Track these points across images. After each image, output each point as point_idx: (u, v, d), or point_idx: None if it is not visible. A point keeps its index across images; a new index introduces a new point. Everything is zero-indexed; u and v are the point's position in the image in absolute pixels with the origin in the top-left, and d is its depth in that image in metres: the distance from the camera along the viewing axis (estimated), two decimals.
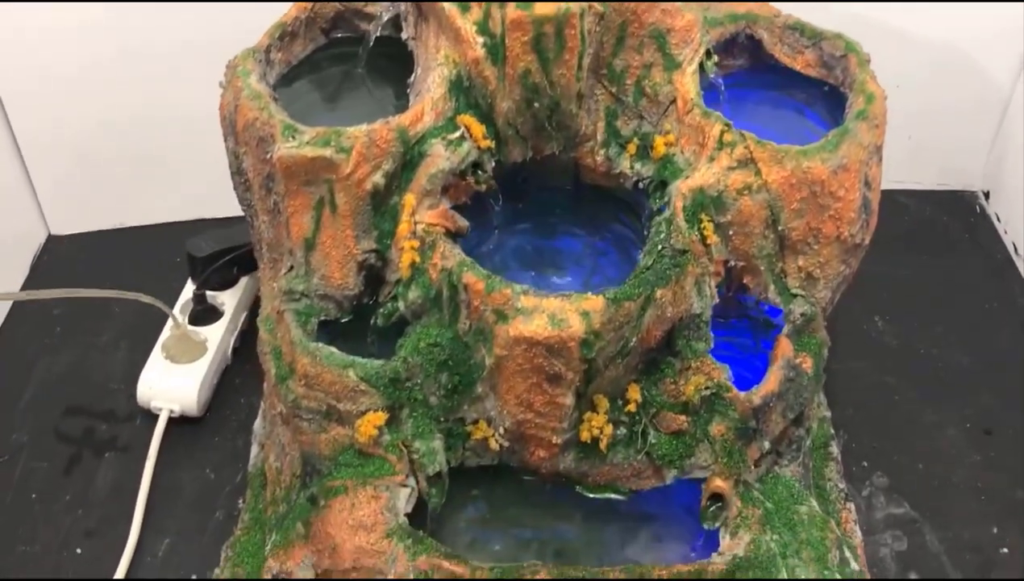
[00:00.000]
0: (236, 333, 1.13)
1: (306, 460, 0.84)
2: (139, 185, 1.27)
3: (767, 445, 0.81)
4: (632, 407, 0.80)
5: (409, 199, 0.76)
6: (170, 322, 1.09)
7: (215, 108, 0.87)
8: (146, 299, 1.02)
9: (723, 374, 0.80)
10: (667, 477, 0.82)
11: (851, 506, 0.97)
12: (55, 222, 1.30)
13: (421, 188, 0.78)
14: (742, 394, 0.79)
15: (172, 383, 1.06)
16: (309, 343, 0.80)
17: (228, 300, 1.14)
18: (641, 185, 0.84)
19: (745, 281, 0.82)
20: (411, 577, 0.76)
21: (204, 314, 1.12)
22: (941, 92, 1.29)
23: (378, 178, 0.78)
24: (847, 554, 0.80)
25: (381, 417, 0.78)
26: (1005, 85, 1.29)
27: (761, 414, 0.80)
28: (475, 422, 0.81)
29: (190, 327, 1.11)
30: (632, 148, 0.84)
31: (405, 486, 0.80)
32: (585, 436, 0.79)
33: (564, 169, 0.87)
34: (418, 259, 0.77)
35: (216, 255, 1.12)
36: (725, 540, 0.79)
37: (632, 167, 0.84)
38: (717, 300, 0.81)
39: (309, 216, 0.80)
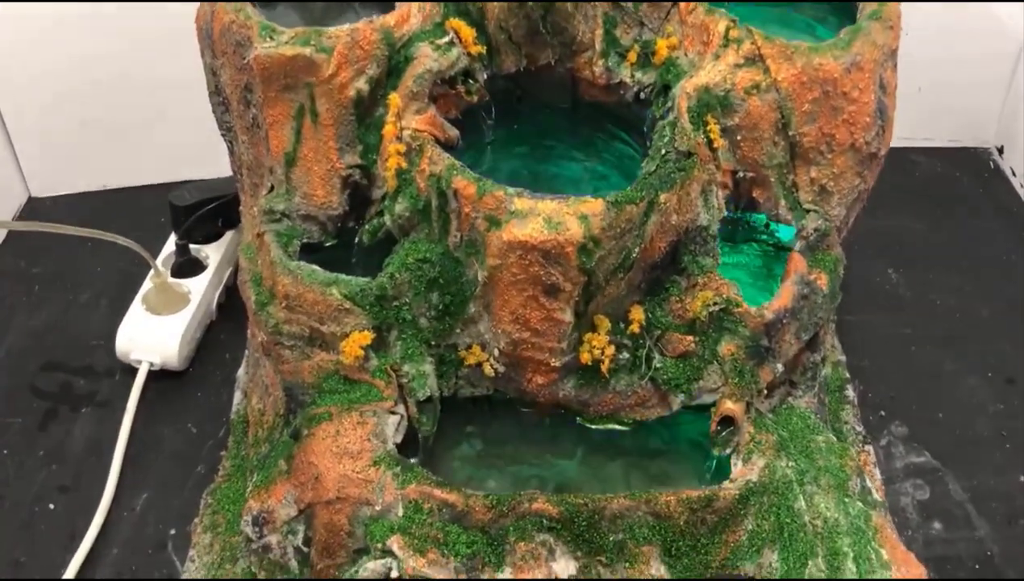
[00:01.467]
0: (221, 288, 1.08)
1: (289, 393, 0.78)
2: (122, 146, 1.23)
3: (780, 368, 0.76)
4: (635, 328, 0.75)
5: (394, 99, 0.72)
6: (151, 273, 1.04)
7: (199, 66, 0.83)
8: (123, 241, 0.97)
9: (732, 289, 0.74)
10: (674, 403, 0.76)
11: (870, 449, 0.92)
12: (35, 184, 1.26)
13: (407, 90, 0.73)
14: (753, 309, 0.74)
15: (152, 335, 1.01)
16: (290, 262, 0.75)
17: (213, 254, 1.09)
18: (643, 95, 0.79)
19: (755, 195, 0.77)
20: (400, 505, 0.70)
21: (187, 266, 1.07)
22: (953, 47, 1.25)
23: (362, 84, 0.73)
24: (869, 484, 0.74)
25: (367, 336, 0.73)
26: (1018, 38, 1.25)
27: (773, 331, 0.74)
28: (468, 347, 0.76)
29: (172, 279, 1.06)
30: (632, 56, 0.79)
31: (394, 413, 0.75)
32: (585, 358, 0.74)
33: (561, 84, 0.82)
34: (404, 165, 0.72)
35: (199, 205, 1.07)
36: (737, 467, 0.73)
37: (633, 76, 0.79)
38: (725, 213, 0.76)
39: (289, 127, 0.75)
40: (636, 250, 0.71)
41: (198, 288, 1.05)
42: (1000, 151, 1.32)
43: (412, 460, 0.73)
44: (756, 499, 0.71)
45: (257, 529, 0.76)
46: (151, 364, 1.00)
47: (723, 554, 0.70)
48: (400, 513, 0.70)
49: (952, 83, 1.28)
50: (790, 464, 0.73)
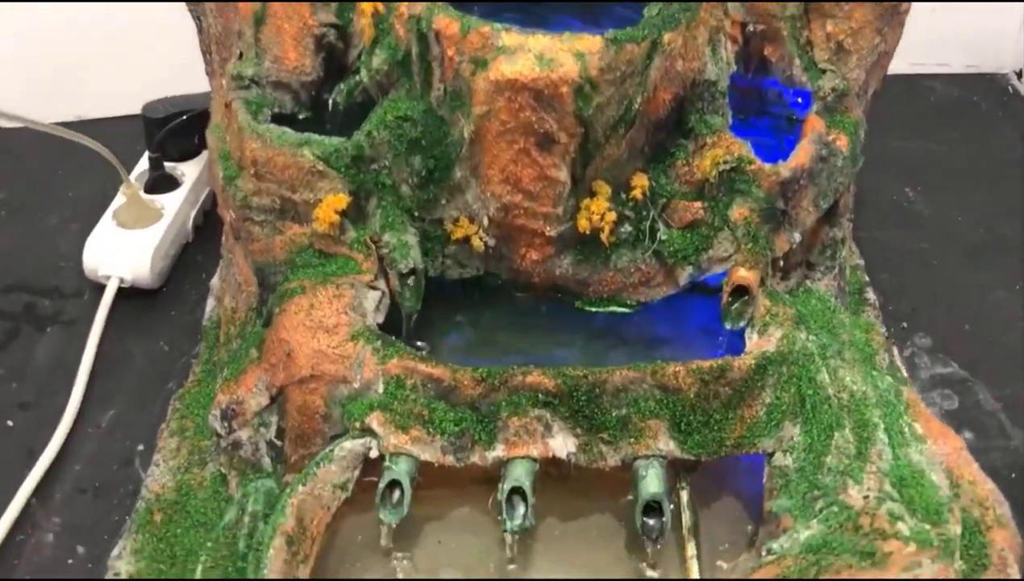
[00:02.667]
0: (198, 208, 1.02)
1: (261, 275, 0.72)
2: (97, 77, 1.17)
3: (797, 237, 0.69)
4: (637, 194, 0.68)
5: None
6: (122, 186, 0.97)
7: None
8: (92, 144, 0.91)
9: (744, 147, 0.68)
10: (681, 278, 0.70)
11: (895, 350, 0.85)
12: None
13: None
14: (767, 165, 0.67)
15: (122, 250, 0.94)
16: (258, 125, 0.68)
17: (189, 171, 1.03)
18: None
19: (766, 53, 0.71)
20: (380, 382, 0.63)
21: (162, 183, 1.01)
22: None
23: None
24: (898, 362, 0.67)
25: (342, 199, 0.66)
26: None
27: (790, 193, 0.68)
28: (456, 221, 0.69)
29: (146, 195, 0.99)
30: None
31: (374, 288, 0.68)
32: (584, 225, 0.67)
33: None
34: (382, 9, 0.65)
35: (173, 117, 1.01)
36: (752, 339, 0.67)
37: None
38: (734, 68, 0.69)
39: None
40: (638, 100, 0.65)
41: (172, 204, 0.99)
42: (1020, 75, 1.27)
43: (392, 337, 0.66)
44: (774, 369, 0.64)
45: (226, 424, 0.70)
46: (121, 280, 0.94)
47: (739, 430, 0.63)
48: (380, 390, 0.64)
49: (966, 6, 1.23)
50: (811, 338, 0.66)
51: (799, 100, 0.75)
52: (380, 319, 0.68)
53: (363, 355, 0.64)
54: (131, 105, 1.13)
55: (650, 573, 0.63)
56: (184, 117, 1.00)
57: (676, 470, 0.65)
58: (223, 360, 0.76)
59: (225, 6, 0.73)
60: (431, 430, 0.63)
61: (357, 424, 0.63)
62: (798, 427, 0.63)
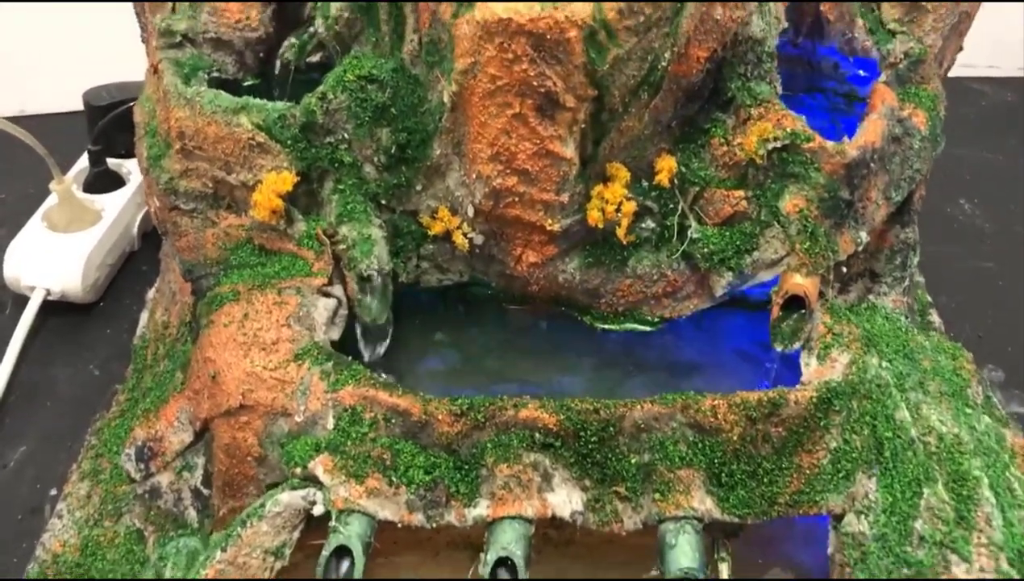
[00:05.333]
0: (144, 212, 0.88)
1: (191, 277, 0.57)
2: (40, 71, 1.04)
3: (864, 237, 0.55)
4: (663, 180, 0.54)
5: None
6: (53, 182, 0.83)
7: None
8: (13, 130, 0.77)
9: (798, 121, 0.53)
10: (717, 288, 0.55)
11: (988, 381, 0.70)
12: None
13: None
14: (830, 143, 0.53)
15: (51, 256, 0.80)
16: (187, 88, 0.54)
17: (136, 169, 0.89)
18: None
19: (823, 9, 0.57)
20: (330, 415, 0.49)
21: (103, 181, 0.87)
22: None
23: None
24: (994, 397, 0.53)
25: (287, 180, 0.52)
26: None
27: (857, 179, 0.53)
28: (434, 213, 0.55)
29: (83, 194, 0.85)
30: None
31: (328, 295, 0.53)
32: (595, 217, 0.53)
33: None
34: None
35: (117, 104, 0.87)
36: (810, 366, 0.52)
37: None
38: (785, 25, 0.55)
39: None
40: (666, 56, 0.50)
41: (114, 205, 0.85)
42: None
43: (348, 358, 0.52)
44: (841, 404, 0.49)
45: (142, 466, 0.55)
46: (47, 292, 0.80)
47: (796, 484, 0.49)
48: (330, 426, 0.49)
49: (1018, 7, 1.12)
50: (884, 364, 0.51)
51: (861, 72, 0.61)
52: (335, 335, 0.54)
53: (309, 380, 0.50)
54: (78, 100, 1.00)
55: None
56: (131, 105, 0.86)
57: (714, 536, 0.50)
58: (146, 385, 0.61)
59: None
60: (394, 479, 0.48)
61: (298, 470, 0.48)
62: (874, 481, 0.48)
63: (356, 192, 0.54)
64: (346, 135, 0.53)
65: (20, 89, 1.08)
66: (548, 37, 0.47)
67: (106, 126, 0.87)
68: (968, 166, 1.04)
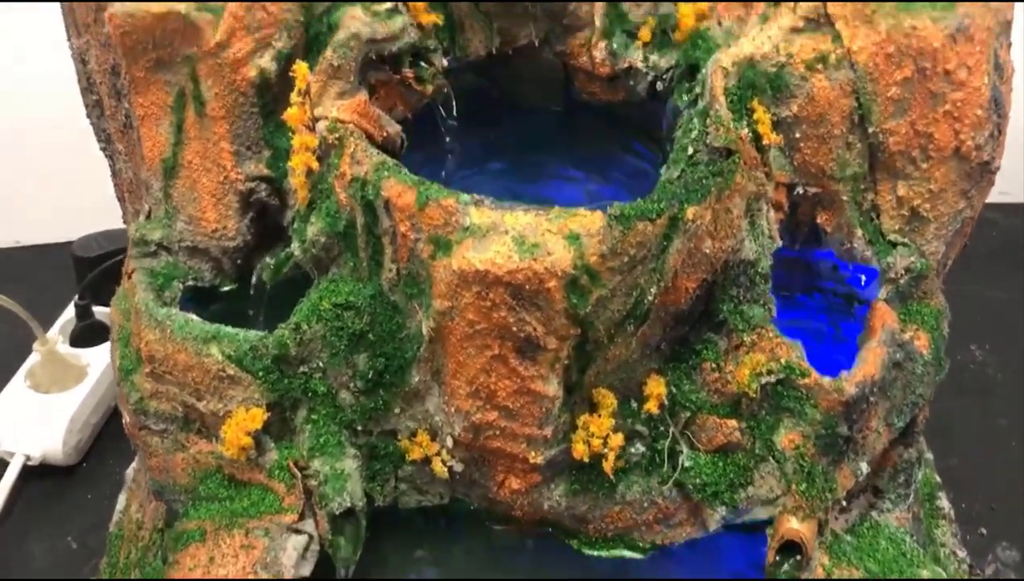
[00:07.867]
0: None
1: (160, 498, 0.55)
2: (34, 202, 1.04)
3: (864, 469, 0.52)
4: (652, 407, 0.52)
5: (301, 69, 0.50)
6: (37, 342, 0.81)
7: None
8: None
9: (794, 351, 0.51)
10: (711, 521, 0.53)
11: None
12: None
13: (327, 64, 0.52)
14: (826, 379, 0.50)
15: (33, 419, 0.78)
16: (159, 309, 0.52)
17: None
18: (660, 85, 0.57)
19: (819, 221, 0.55)
20: None
21: (90, 333, 0.86)
22: None
23: (266, 61, 0.52)
24: None
25: (257, 416, 0.50)
26: None
27: (856, 414, 0.51)
28: (412, 436, 0.53)
29: (68, 349, 0.84)
30: (645, 34, 0.58)
31: (298, 532, 0.51)
32: (580, 451, 0.51)
33: (549, 75, 0.61)
34: (315, 165, 0.50)
35: (108, 256, 0.86)
36: None
37: (647, 60, 0.57)
38: (780, 244, 0.53)
39: (167, 122, 0.54)
40: (653, 291, 0.48)
41: (101, 361, 0.83)
42: None
43: None
44: None
45: None
46: (27, 458, 0.78)
47: None
48: None
49: None
50: None
51: (862, 277, 0.59)
52: (306, 571, 0.51)
53: None
54: (68, 232, 0.99)
55: None
56: (121, 257, 0.85)
57: None
58: None
59: (134, 150, 0.57)
60: None
61: None
62: None
63: (330, 422, 0.52)
64: (320, 363, 0.51)
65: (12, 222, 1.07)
66: (527, 288, 0.45)
67: (95, 279, 0.85)
68: (979, 306, 1.00)
